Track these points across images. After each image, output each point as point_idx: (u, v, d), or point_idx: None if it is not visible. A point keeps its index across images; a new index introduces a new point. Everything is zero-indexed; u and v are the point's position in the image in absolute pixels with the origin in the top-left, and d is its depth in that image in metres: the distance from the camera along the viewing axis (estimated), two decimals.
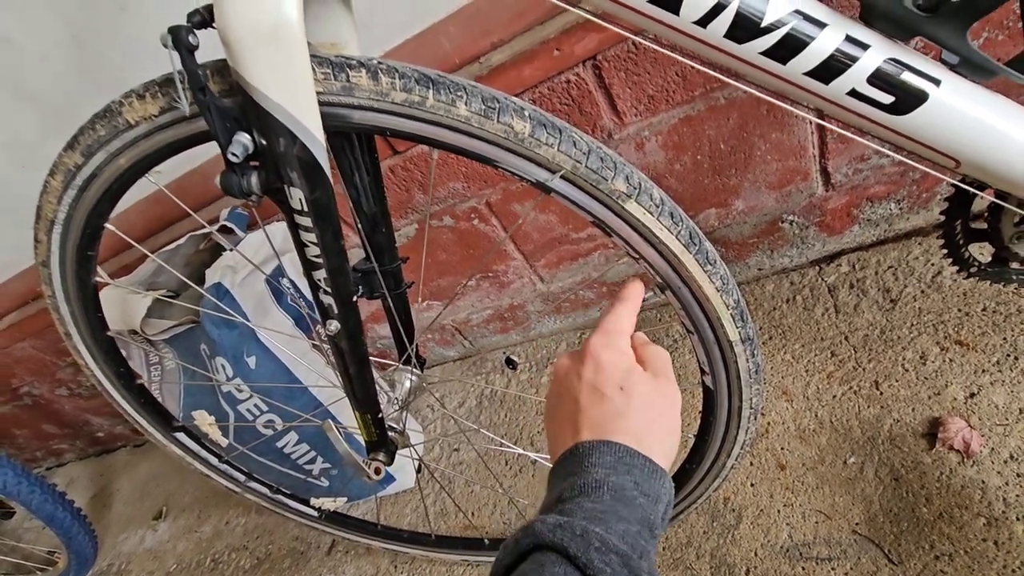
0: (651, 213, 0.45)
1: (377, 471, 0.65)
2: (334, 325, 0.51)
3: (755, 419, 0.61)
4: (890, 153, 0.44)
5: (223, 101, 0.41)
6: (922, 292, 0.92)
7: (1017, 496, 0.70)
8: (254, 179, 0.42)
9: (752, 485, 0.87)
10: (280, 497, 0.95)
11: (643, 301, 0.52)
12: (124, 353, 0.95)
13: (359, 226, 0.57)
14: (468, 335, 1.31)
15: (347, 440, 0.72)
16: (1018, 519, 0.68)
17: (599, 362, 0.40)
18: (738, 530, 0.84)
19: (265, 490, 0.94)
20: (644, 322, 1.17)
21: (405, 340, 0.70)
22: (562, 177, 0.44)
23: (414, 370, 0.73)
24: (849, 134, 0.44)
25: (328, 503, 0.97)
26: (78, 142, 0.47)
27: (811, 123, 0.83)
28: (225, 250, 0.96)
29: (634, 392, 0.39)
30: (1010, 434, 0.74)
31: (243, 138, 0.41)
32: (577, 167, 0.43)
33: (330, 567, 1.16)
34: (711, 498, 0.75)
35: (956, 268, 0.60)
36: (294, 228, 0.44)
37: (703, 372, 0.58)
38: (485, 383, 1.30)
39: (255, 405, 0.97)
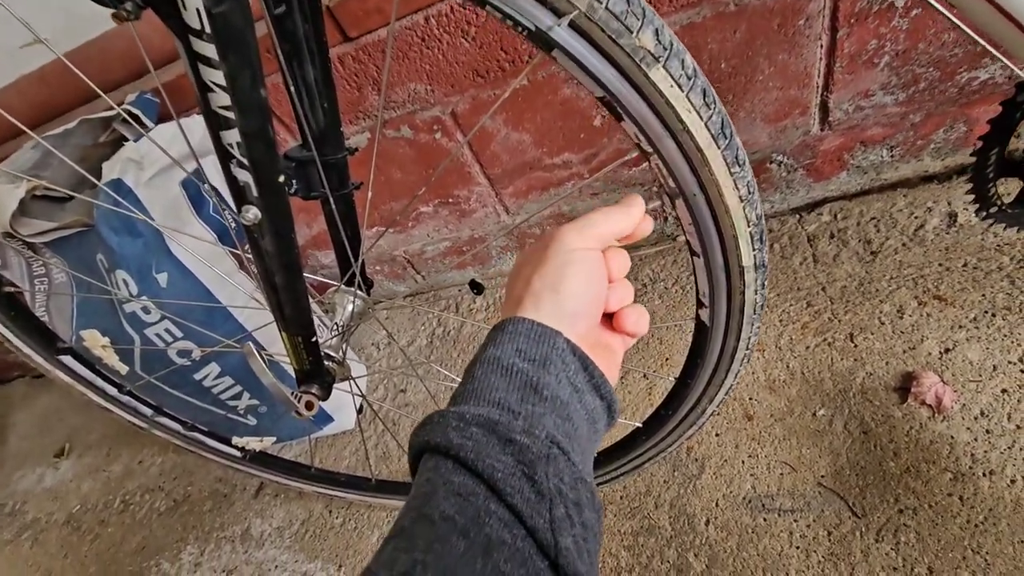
0: (680, 86, 0.34)
1: (309, 406, 0.55)
2: (252, 212, 0.38)
3: (747, 362, 0.54)
4: (972, 34, 0.35)
5: None
6: (904, 245, 0.88)
7: (985, 452, 0.68)
8: None
9: (717, 435, 0.83)
10: (196, 435, 0.83)
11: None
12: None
13: (292, 95, 0.44)
14: (421, 268, 1.20)
15: (278, 375, 0.61)
16: (984, 475, 0.67)
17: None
18: (700, 480, 0.80)
19: (178, 426, 0.81)
20: None
21: (350, 255, 0.58)
22: (571, 25, 0.33)
23: (358, 292, 0.61)
24: (939, 7, 0.34)
25: (254, 443, 0.86)
26: None
27: (822, 45, 0.75)
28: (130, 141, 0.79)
29: (527, 263, 0.36)
30: (982, 391, 0.72)
31: None
32: (594, 8, 0.32)
33: (257, 511, 1.06)
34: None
35: (976, 206, 0.55)
36: (193, 61, 0.31)
37: (700, 305, 0.50)
38: (437, 323, 1.20)
39: (166, 329, 0.83)
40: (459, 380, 0.33)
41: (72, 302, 0.83)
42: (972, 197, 0.54)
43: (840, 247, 0.92)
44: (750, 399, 0.84)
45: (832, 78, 0.79)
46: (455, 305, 1.21)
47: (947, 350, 0.76)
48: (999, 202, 0.54)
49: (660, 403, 0.63)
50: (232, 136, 0.35)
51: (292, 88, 0.44)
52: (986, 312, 0.77)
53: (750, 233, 0.42)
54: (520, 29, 0.34)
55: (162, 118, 0.85)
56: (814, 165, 0.92)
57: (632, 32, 0.32)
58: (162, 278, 0.80)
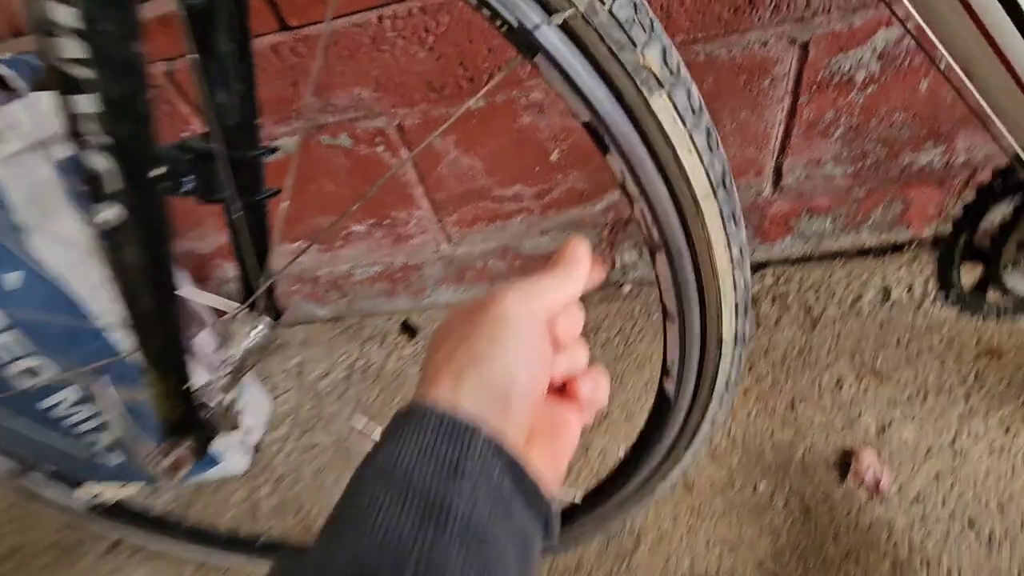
0: (682, 122, 0.29)
1: (176, 466, 0.43)
2: (111, 212, 0.28)
3: (712, 440, 0.48)
4: (980, 102, 0.32)
5: None
6: (841, 316, 0.88)
7: (922, 540, 0.66)
8: None
9: (655, 504, 0.77)
10: (35, 477, 0.66)
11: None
12: None
13: (198, 69, 0.34)
14: (347, 292, 1.08)
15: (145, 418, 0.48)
16: (922, 564, 0.65)
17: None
18: (635, 556, 0.73)
19: (11, 465, 0.64)
20: None
21: (254, 274, 0.48)
22: (563, 25, 0.26)
23: (262, 318, 0.50)
24: (959, 72, 0.31)
25: (111, 491, 0.69)
26: None
27: (783, 109, 0.74)
28: None
29: (453, 327, 0.28)
30: (917, 473, 0.71)
31: None
32: (595, 10, 0.25)
33: (109, 570, 0.87)
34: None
35: (938, 287, 0.53)
36: None
37: (666, 374, 0.44)
38: (359, 353, 1.08)
39: (16, 340, 0.67)
40: (376, 422, 0.24)
41: None
42: (936, 277, 0.52)
43: (782, 311, 0.92)
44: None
45: (789, 142, 0.79)
46: (382, 336, 1.10)
47: (883, 428, 0.76)
48: (959, 285, 0.53)
49: (605, 478, 0.56)
50: (86, 104, 0.25)
51: (199, 65, 0.35)
52: (919, 392, 0.78)
53: (736, 301, 0.36)
54: (500, 24, 0.26)
55: (43, 87, 0.71)
56: (762, 227, 0.92)
57: (636, 46, 0.26)
58: (12, 278, 0.64)
